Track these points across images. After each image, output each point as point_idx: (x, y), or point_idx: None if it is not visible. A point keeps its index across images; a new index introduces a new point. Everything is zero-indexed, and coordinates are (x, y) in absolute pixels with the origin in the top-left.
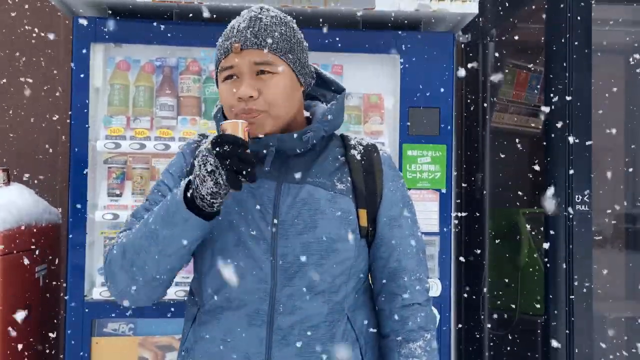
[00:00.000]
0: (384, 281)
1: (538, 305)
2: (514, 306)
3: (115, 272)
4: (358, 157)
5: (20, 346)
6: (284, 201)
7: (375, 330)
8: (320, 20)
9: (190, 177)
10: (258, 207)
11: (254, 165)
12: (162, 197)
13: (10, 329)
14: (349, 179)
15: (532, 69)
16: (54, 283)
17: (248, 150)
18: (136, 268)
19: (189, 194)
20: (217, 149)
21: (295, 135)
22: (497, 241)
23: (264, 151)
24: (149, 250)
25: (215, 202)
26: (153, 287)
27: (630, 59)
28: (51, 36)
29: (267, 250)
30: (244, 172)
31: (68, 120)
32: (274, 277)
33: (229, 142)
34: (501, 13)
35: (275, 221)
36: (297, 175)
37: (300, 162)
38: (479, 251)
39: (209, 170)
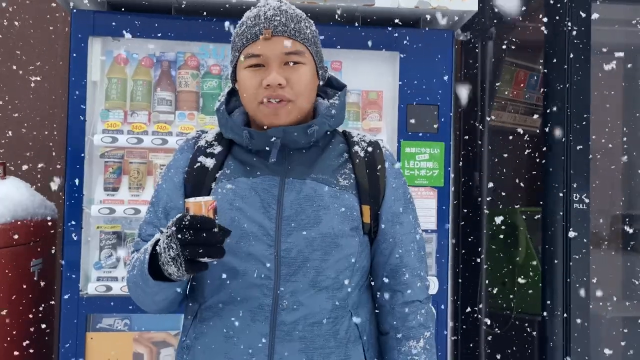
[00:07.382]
0: (385, 278)
1: (535, 305)
2: (511, 305)
3: (132, 297)
4: (361, 153)
5: (14, 340)
6: (288, 197)
7: (376, 328)
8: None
9: (158, 239)
10: (261, 202)
11: (221, 242)
12: (160, 208)
13: (4, 322)
14: (353, 175)
15: (531, 67)
16: (49, 277)
17: (215, 229)
18: (141, 303)
19: (160, 260)
20: (179, 235)
21: (300, 128)
22: (494, 239)
23: (267, 148)
24: (143, 297)
25: (182, 278)
26: (165, 308)
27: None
28: (49, 29)
29: (271, 246)
30: (208, 254)
31: (65, 114)
32: (278, 273)
33: (191, 227)
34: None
35: (279, 217)
36: (301, 171)
37: (303, 158)
38: (476, 249)
39: (172, 255)
